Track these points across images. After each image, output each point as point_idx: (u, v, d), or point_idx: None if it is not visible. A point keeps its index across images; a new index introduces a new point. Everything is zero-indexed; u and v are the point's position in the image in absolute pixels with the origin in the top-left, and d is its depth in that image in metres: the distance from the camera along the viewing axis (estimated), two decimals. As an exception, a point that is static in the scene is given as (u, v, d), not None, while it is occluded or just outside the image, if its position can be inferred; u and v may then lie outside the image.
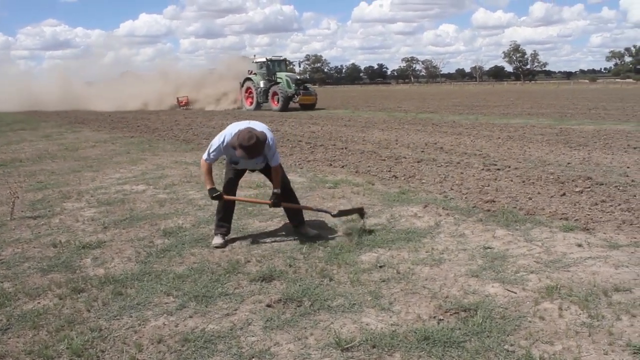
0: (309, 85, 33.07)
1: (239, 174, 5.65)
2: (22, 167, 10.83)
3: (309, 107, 30.84)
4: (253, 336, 3.44)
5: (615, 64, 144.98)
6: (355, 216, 5.81)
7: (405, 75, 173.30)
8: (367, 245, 5.17)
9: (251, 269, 4.62)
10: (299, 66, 38.44)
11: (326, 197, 7.18)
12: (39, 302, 4.04)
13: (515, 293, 4.00)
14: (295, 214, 5.71)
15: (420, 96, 46.03)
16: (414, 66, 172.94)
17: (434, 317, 3.63)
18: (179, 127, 19.27)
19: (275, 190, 5.45)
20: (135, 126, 20.14)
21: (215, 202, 5.58)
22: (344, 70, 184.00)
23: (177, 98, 37.68)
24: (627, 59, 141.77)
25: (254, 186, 7.96)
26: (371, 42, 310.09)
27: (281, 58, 33.84)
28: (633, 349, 3.13)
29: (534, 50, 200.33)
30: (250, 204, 6.69)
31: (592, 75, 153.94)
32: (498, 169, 9.10)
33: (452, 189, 7.57)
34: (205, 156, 5.32)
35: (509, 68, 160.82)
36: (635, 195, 6.92)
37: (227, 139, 5.17)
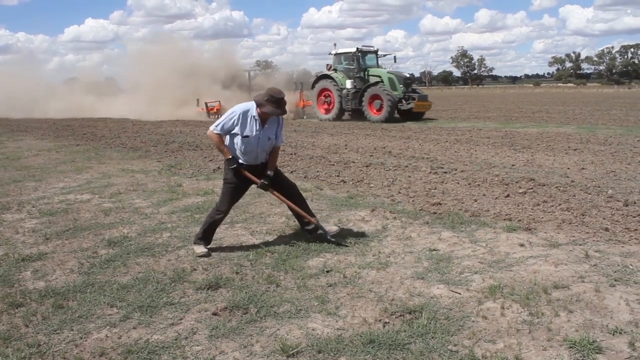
0: (415, 87, 24.55)
1: (241, 192, 5.58)
2: (-41, 178, 10.36)
3: (417, 116, 22.62)
4: (198, 345, 3.39)
5: (557, 69, 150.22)
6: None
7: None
8: (315, 250, 5.18)
9: (197, 277, 4.55)
10: (395, 61, 29.04)
11: (275, 202, 7.15)
12: (-27, 319, 3.87)
13: (460, 294, 4.08)
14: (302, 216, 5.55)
15: (371, 101, 46.42)
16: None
17: (380, 321, 3.66)
18: (126, 134, 18.85)
19: (269, 173, 5.36)
20: (81, 134, 19.57)
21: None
22: (294, 76, 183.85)
23: (205, 103, 26.34)
24: (568, 64, 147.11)
25: (202, 193, 7.87)
26: (321, 47, 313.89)
27: (374, 49, 24.33)
28: (569, 344, 3.24)
29: (481, 56, 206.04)
30: (198, 213, 6.68)
31: (536, 79, 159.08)
32: (445, 172, 9.26)
33: (399, 193, 7.66)
34: (213, 127, 5.20)
35: (457, 73, 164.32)
36: (574, 195, 7.17)
37: (241, 108, 5.16)
